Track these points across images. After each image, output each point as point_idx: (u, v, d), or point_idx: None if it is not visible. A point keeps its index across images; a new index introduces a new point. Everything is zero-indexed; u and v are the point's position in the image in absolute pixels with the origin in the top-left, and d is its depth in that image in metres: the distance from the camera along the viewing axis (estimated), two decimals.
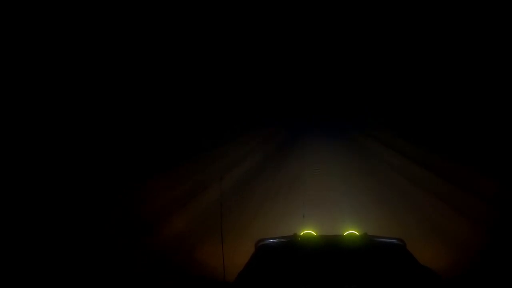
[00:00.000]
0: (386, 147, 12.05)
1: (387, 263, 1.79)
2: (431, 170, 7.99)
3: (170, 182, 6.47)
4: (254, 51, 21.32)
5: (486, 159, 6.95)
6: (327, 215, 5.07)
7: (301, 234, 2.09)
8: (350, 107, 26.92)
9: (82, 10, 7.32)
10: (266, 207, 5.77)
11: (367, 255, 1.86)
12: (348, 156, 10.96)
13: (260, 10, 20.95)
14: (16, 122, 5.57)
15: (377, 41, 22.45)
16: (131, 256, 3.77)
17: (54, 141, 5.94)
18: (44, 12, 6.36)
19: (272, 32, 24.59)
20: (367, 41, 24.43)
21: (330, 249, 1.94)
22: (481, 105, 9.75)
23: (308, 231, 2.13)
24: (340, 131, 17.91)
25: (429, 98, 13.65)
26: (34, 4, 6.21)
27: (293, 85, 30.67)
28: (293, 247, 1.98)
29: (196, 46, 13.51)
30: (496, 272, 3.20)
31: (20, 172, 4.88)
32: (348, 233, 2.11)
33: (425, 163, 8.61)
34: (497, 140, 7.74)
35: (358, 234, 2.08)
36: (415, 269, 1.72)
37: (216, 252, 2.40)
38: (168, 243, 4.34)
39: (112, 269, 3.38)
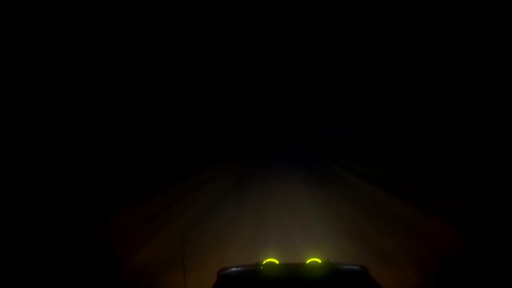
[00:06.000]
0: None
1: None
2: None
3: None
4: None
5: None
6: None
7: (263, 262, 2.08)
8: None
9: (82, 10, 7.23)
10: None
11: (330, 283, 1.87)
12: None
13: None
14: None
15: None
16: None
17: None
18: (44, 12, 6.26)
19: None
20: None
21: (293, 277, 1.95)
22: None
23: (271, 260, 2.13)
24: None
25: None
26: (34, 4, 6.11)
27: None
28: (256, 276, 1.98)
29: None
30: None
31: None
32: (311, 261, 2.12)
33: None
34: None
35: (320, 261, 2.09)
36: None
37: None
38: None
39: None
